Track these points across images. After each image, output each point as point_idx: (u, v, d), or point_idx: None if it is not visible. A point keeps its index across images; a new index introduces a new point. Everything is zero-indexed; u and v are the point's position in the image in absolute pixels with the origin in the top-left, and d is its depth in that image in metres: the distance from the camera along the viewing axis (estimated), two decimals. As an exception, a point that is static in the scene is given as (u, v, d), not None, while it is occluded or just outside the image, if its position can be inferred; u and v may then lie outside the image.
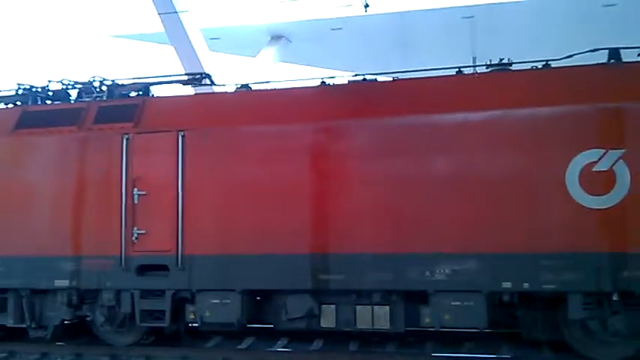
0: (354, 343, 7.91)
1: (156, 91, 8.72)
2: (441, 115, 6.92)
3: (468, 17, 17.80)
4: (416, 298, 7.06)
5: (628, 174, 6.35)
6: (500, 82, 7.10)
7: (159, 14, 17.00)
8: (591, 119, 6.51)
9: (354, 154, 7.05)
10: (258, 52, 20.98)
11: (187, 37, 17.63)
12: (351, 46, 20.41)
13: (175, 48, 18.27)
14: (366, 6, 14.90)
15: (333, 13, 19.49)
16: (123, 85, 8.65)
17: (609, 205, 6.38)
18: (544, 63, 7.25)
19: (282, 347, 8.03)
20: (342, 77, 7.86)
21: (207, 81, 8.87)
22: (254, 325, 8.03)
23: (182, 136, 7.50)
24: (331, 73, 6.26)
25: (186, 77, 8.87)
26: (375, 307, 7.16)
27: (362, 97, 7.29)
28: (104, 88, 8.55)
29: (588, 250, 6.38)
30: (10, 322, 8.06)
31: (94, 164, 7.79)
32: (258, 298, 7.60)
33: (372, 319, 7.17)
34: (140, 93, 8.49)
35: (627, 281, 6.31)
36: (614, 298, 6.46)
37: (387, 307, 7.13)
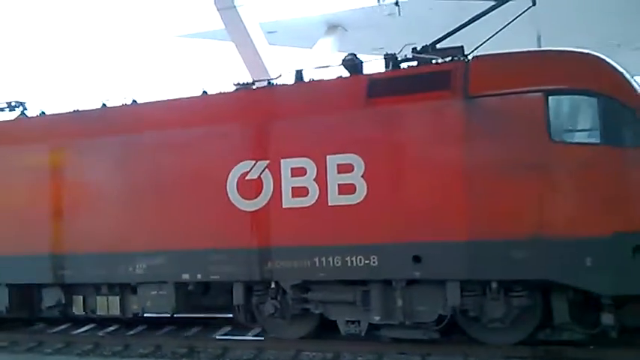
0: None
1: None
2: (140, 134, 8.27)
3: None
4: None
5: (271, 181, 7.49)
6: (189, 105, 8.35)
7: (218, 10, 17.90)
8: (246, 135, 7.69)
9: (79, 169, 8.51)
10: (315, 44, 21.43)
11: (246, 31, 18.26)
12: (408, 31, 20.08)
13: (236, 44, 18.85)
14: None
15: (389, -2, 20.21)
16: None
17: (258, 208, 7.54)
18: (247, 83, 8.46)
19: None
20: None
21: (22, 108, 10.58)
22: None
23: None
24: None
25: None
26: (110, 297, 8.62)
27: (92, 122, 8.76)
28: None
29: (243, 246, 7.57)
30: None
31: None
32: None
33: (108, 307, 8.64)
34: None
35: (270, 272, 7.47)
36: (272, 285, 7.65)
37: (118, 297, 8.58)
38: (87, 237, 8.40)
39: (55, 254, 8.57)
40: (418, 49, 7.97)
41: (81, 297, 8.82)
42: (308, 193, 7.30)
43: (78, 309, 8.86)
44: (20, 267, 8.75)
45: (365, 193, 7.05)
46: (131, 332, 9.38)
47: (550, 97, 6.48)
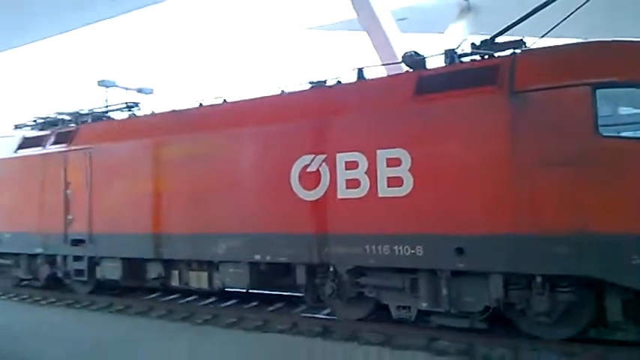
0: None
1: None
2: (224, 131, 9.30)
3: None
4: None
5: (328, 173, 8.09)
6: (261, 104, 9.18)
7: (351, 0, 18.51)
8: (306, 130, 8.35)
9: (175, 160, 9.81)
10: (446, 28, 21.28)
11: (378, 20, 18.25)
12: (546, 13, 19.25)
13: (368, 33, 18.89)
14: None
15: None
16: (83, 114, 12.53)
17: (316, 198, 8.19)
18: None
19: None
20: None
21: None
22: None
23: (90, 154, 11.05)
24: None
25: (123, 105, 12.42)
26: (199, 272, 9.91)
27: (183, 120, 10.01)
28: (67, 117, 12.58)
29: (304, 231, 8.29)
30: (21, 275, 12.60)
31: (50, 174, 11.75)
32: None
33: (199, 281, 9.93)
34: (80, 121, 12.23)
35: (327, 256, 8.11)
36: (331, 269, 8.30)
37: (206, 273, 9.82)
38: (179, 220, 9.73)
39: (155, 234, 10.03)
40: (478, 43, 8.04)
41: (177, 271, 10.23)
42: (360, 185, 7.79)
43: (175, 281, 10.29)
44: (130, 244, 10.37)
45: (411, 186, 7.38)
46: (223, 305, 10.63)
47: (597, 91, 6.27)
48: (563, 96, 6.47)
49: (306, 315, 9.27)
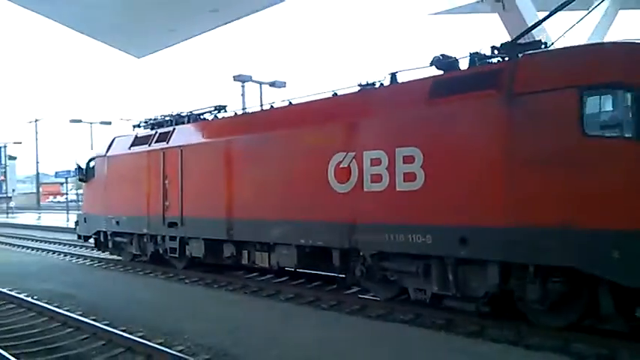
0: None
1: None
2: (275, 132, 10.73)
3: None
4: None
5: (357, 169, 9.13)
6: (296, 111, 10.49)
7: None
8: (340, 131, 9.45)
9: (240, 157, 11.48)
10: (592, 5, 19.75)
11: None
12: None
13: (499, 14, 18.15)
14: None
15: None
16: (181, 116, 14.76)
17: (347, 190, 9.29)
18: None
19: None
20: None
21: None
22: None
23: (181, 151, 13.16)
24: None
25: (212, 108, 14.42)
26: (263, 253, 11.48)
27: (243, 123, 11.65)
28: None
29: (337, 220, 9.44)
30: (133, 251, 15.25)
31: (153, 167, 14.11)
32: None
33: (262, 260, 11.53)
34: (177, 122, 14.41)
35: (355, 242, 9.18)
36: (361, 253, 9.36)
37: (267, 253, 11.37)
38: (243, 207, 11.39)
39: (228, 219, 11.80)
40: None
41: (246, 251, 11.93)
42: (382, 180, 8.75)
43: (244, 260, 12.00)
44: (210, 227, 12.28)
45: (423, 181, 8.19)
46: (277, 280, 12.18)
47: (584, 93, 6.61)
48: (553, 99, 6.88)
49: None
